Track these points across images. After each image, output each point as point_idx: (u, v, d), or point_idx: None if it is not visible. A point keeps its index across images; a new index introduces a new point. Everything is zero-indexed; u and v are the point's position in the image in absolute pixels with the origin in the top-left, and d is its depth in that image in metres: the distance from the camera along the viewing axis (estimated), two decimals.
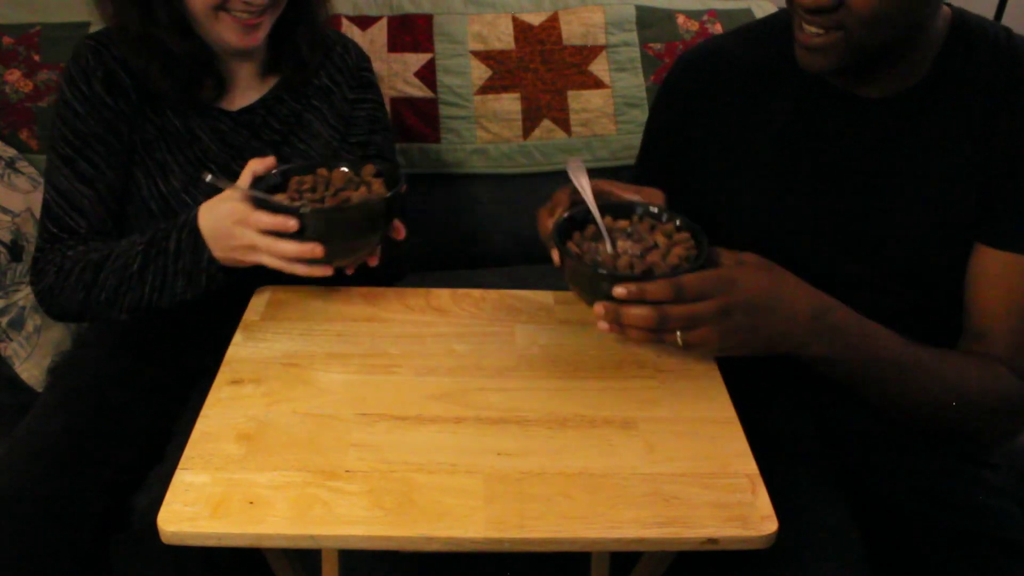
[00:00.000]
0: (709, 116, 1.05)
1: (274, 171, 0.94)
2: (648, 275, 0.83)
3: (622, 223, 0.93)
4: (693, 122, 1.07)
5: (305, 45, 1.16)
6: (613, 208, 0.93)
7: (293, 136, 1.19)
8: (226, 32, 1.06)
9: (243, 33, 1.06)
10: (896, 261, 0.97)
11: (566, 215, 0.92)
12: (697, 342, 0.82)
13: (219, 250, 0.94)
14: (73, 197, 1.09)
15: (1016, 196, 0.92)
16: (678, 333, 0.82)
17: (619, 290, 0.80)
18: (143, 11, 1.06)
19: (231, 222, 0.91)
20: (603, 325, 0.84)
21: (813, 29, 0.87)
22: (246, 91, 1.17)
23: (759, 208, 1.02)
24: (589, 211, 0.92)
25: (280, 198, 0.92)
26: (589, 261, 0.87)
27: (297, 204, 0.90)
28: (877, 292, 0.98)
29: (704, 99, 1.06)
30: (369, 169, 0.98)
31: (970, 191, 0.94)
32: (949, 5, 0.94)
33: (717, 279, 0.83)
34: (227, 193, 0.93)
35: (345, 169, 0.97)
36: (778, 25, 1.02)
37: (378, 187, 0.95)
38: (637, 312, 0.81)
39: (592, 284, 0.84)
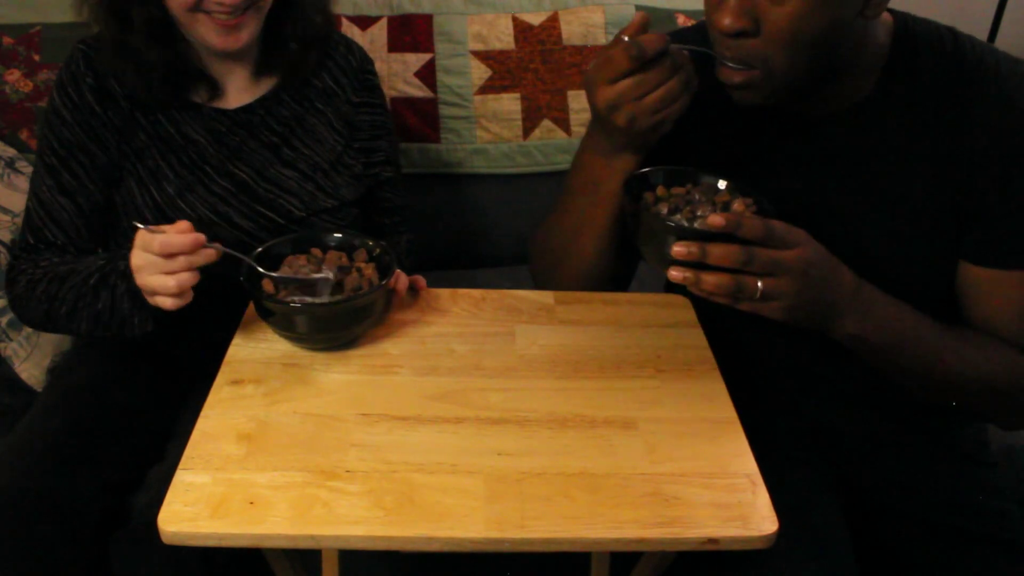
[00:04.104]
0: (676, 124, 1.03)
1: (273, 245, 0.95)
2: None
3: (678, 190, 0.91)
4: None
5: (295, 43, 1.14)
6: (668, 175, 0.92)
7: (294, 138, 1.17)
8: (208, 34, 1.04)
9: (224, 34, 1.04)
10: (870, 274, 0.95)
11: (638, 173, 0.90)
12: (776, 292, 0.80)
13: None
14: (53, 209, 1.08)
15: (989, 212, 0.90)
16: (759, 282, 0.80)
17: (716, 219, 0.79)
18: (119, 17, 1.05)
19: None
20: (676, 274, 0.81)
21: (731, 65, 0.86)
22: (242, 92, 1.16)
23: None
24: (659, 172, 0.91)
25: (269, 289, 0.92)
26: (659, 220, 0.85)
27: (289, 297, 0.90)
28: None
29: None
30: (362, 254, 0.97)
31: (939, 202, 0.92)
32: (892, 11, 0.92)
33: (800, 231, 0.82)
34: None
35: (338, 251, 0.97)
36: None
37: (370, 273, 0.94)
38: (724, 249, 0.79)
39: (667, 233, 0.83)
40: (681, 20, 1.72)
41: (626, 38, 0.83)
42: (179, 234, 0.85)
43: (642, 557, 0.95)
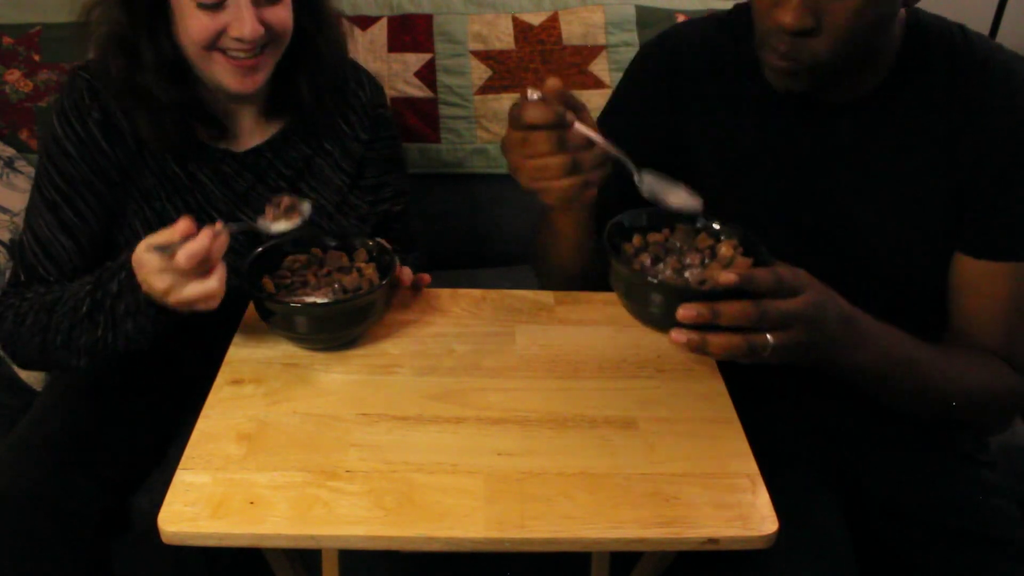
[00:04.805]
0: (686, 109, 1.02)
1: (272, 243, 0.94)
2: (721, 294, 0.75)
3: (655, 236, 0.88)
4: (668, 115, 1.02)
5: (306, 87, 1.08)
6: (648, 218, 0.88)
7: (301, 181, 1.13)
8: (223, 75, 0.99)
9: (241, 76, 0.99)
10: (872, 264, 0.96)
11: (616, 221, 0.86)
12: (788, 343, 0.76)
13: (151, 293, 0.87)
14: (51, 246, 1.03)
15: (989, 205, 0.91)
16: (769, 336, 0.75)
17: (728, 276, 0.74)
18: (128, 55, 1.00)
19: (137, 267, 0.86)
20: (679, 337, 0.76)
21: (783, 54, 0.85)
22: (251, 133, 1.11)
23: (735, 208, 1.00)
24: (638, 215, 0.86)
25: (267, 283, 0.91)
26: (655, 278, 0.81)
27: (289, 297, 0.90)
28: (853, 295, 0.98)
29: (682, 89, 1.01)
30: (362, 254, 0.96)
31: (942, 195, 0.93)
32: (904, 4, 0.92)
33: (802, 273, 0.78)
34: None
35: (339, 252, 0.96)
36: (749, 19, 1.01)
37: (370, 273, 0.93)
38: (736, 308, 0.74)
39: (653, 291, 0.78)
40: (681, 20, 1.72)
41: (531, 93, 0.78)
42: (195, 241, 0.81)
43: (642, 557, 0.95)
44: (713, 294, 0.76)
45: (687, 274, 0.83)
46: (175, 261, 0.81)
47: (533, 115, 0.77)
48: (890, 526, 0.99)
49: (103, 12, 1.01)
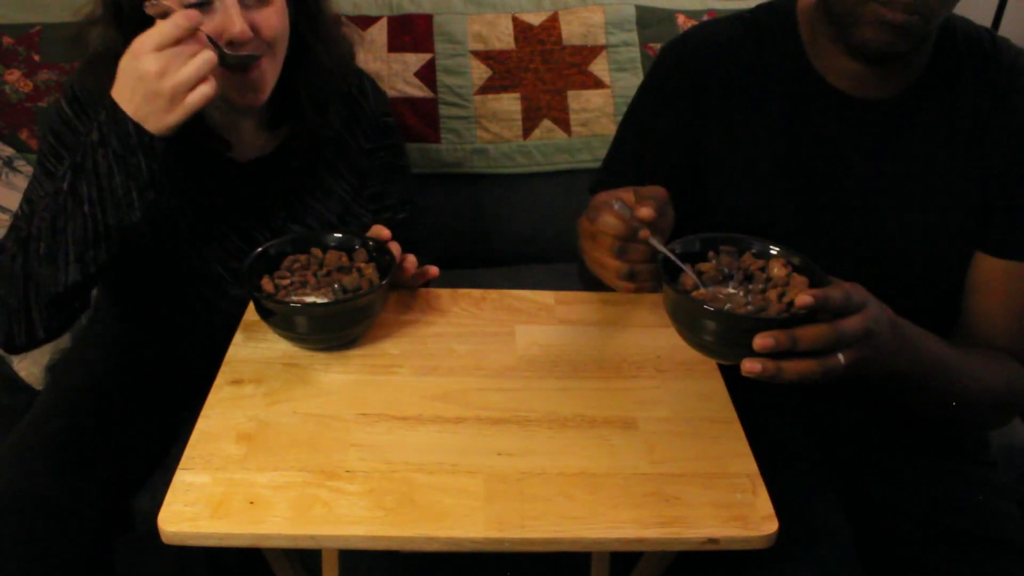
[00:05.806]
0: (709, 109, 1.01)
1: (273, 245, 0.94)
2: (793, 320, 0.73)
3: (705, 266, 0.85)
4: (691, 115, 1.02)
5: (306, 97, 1.06)
6: (701, 244, 0.86)
7: (303, 192, 1.12)
8: (226, 89, 0.96)
9: (244, 90, 0.97)
10: (893, 264, 0.97)
11: (669, 249, 0.81)
12: (857, 360, 0.74)
13: (139, 111, 0.85)
14: None
15: (1013, 206, 0.93)
16: (841, 357, 0.73)
17: (805, 299, 0.73)
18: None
19: (128, 62, 0.84)
20: (754, 366, 0.73)
21: (905, 5, 0.82)
22: (253, 144, 1.09)
23: (757, 208, 1.01)
24: (691, 242, 0.84)
25: (267, 284, 0.91)
26: (723, 309, 0.78)
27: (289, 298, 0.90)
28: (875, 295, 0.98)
29: (705, 90, 1.01)
30: (362, 254, 0.96)
31: (966, 197, 0.94)
32: None
33: (858, 287, 0.77)
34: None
35: (339, 252, 0.96)
36: (774, 19, 1.01)
37: (370, 273, 0.93)
38: (814, 333, 0.72)
39: (741, 329, 0.75)
40: (681, 20, 1.72)
41: (615, 203, 0.79)
42: (181, 8, 0.85)
43: (642, 557, 0.95)
44: (776, 321, 0.74)
45: (749, 302, 0.81)
46: (175, 19, 0.83)
47: (607, 223, 0.78)
48: (891, 526, 0.99)
49: (95, 34, 0.99)
